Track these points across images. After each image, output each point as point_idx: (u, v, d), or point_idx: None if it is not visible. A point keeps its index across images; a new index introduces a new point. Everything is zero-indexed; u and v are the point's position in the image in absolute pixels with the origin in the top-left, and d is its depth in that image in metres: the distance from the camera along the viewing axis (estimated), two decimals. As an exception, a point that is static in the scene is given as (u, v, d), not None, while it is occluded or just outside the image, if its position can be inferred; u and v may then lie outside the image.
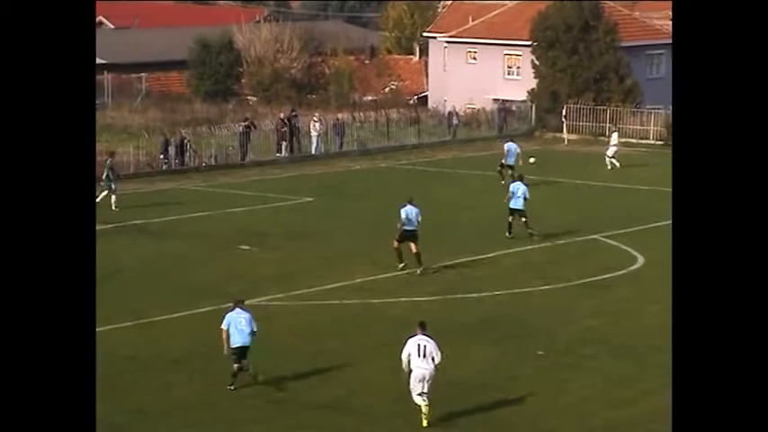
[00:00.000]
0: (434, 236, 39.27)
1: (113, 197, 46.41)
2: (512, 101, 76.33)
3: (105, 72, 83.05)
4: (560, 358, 29.11)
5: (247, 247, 40.71)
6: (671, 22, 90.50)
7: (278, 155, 62.18)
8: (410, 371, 24.45)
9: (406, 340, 25.08)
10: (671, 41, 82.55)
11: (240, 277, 36.53)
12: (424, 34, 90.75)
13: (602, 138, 70.63)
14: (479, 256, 39.28)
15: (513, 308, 33.64)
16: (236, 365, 26.54)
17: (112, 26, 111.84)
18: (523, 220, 41.27)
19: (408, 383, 24.44)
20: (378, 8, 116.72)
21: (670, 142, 69.69)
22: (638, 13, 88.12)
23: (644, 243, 42.04)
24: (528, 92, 75.54)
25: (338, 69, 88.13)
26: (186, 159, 59.17)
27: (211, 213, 46.98)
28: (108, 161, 47.30)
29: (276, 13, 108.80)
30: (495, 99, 77.14)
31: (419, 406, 24.23)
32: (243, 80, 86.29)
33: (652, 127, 71.31)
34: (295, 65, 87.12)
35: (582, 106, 72.23)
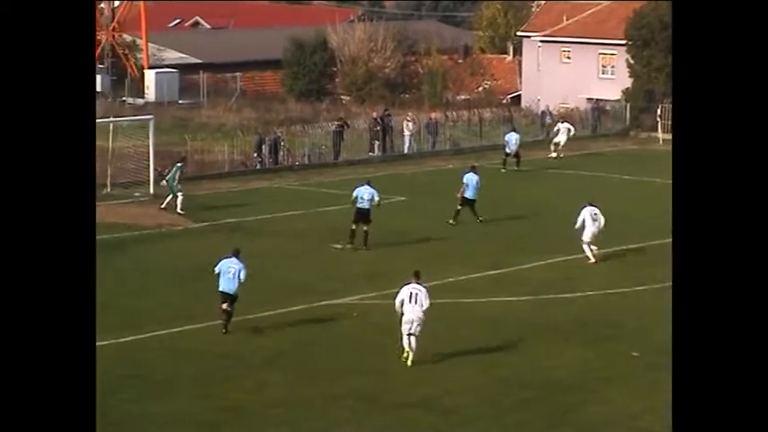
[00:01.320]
0: (526, 236, 39.13)
1: (179, 199, 46.38)
2: (606, 100, 75.95)
3: (201, 71, 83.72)
4: (655, 359, 28.86)
5: (340, 246, 40.79)
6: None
7: (371, 154, 62.29)
8: (402, 314, 27.83)
9: (401, 287, 28.16)
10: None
11: (333, 275, 36.63)
12: (518, 33, 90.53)
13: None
14: (571, 257, 39.05)
15: (607, 309, 33.44)
16: (223, 305, 30.09)
17: (209, 26, 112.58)
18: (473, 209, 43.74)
19: (400, 325, 27.76)
20: (471, 7, 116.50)
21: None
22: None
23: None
24: (622, 91, 75.16)
25: (431, 69, 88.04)
26: (280, 158, 59.43)
27: (304, 212, 47.16)
28: (179, 165, 47.29)
29: (370, 12, 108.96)
30: (588, 98, 76.74)
31: (404, 347, 27.83)
32: (336, 80, 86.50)
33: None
34: (388, 64, 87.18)
35: (677, 106, 71.68)
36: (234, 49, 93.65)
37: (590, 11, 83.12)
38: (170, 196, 46.65)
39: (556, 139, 62.83)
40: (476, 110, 74.54)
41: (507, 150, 58.21)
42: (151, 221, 45.38)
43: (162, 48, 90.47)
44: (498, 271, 37.38)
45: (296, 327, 31.56)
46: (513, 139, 58.28)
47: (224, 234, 42.41)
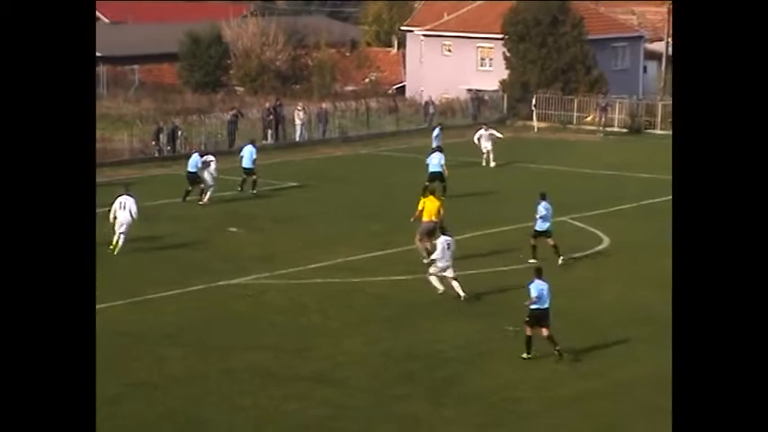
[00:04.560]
0: (407, 220, 39.26)
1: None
2: (484, 91, 76.40)
3: (101, 64, 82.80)
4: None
5: (235, 230, 40.75)
6: (634, 17, 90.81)
7: (264, 142, 62.14)
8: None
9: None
10: (634, 35, 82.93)
11: (229, 257, 36.56)
12: (402, 28, 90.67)
13: (570, 126, 70.90)
14: (459, 236, 39.25)
15: (487, 286, 33.71)
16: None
17: (108, 20, 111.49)
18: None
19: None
20: (358, 4, 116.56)
21: (634, 129, 70.06)
22: (603, 8, 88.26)
23: (608, 225, 42.19)
24: (500, 82, 75.64)
25: (321, 61, 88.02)
26: (177, 146, 59.09)
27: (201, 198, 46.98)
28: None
29: (262, 8, 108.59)
30: (468, 89, 77.16)
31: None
32: (231, 72, 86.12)
33: (616, 115, 71.49)
34: (280, 57, 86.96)
35: (550, 96, 72.41)
36: (132, 43, 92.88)
37: (469, 7, 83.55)
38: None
39: (484, 147, 56.23)
40: (363, 100, 74.79)
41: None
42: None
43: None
44: (385, 251, 37.53)
45: (193, 306, 31.50)
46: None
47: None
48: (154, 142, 58.44)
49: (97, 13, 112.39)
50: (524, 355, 26.77)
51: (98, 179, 49.14)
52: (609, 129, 69.96)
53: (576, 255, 37.58)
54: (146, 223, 40.19)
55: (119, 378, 25.45)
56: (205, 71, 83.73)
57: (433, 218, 35.36)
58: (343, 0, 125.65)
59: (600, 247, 38.98)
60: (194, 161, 45.41)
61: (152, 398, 24.37)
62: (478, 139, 55.95)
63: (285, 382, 25.36)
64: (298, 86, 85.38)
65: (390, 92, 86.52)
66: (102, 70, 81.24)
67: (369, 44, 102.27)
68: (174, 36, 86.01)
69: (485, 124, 58.87)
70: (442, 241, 31.86)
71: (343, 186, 50.55)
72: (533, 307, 26.85)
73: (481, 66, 79.69)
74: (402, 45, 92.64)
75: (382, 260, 36.66)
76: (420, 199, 36.17)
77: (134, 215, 35.36)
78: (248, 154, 47.34)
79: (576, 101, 71.92)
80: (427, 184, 40.44)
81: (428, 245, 35.29)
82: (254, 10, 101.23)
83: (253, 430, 22.58)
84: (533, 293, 26.82)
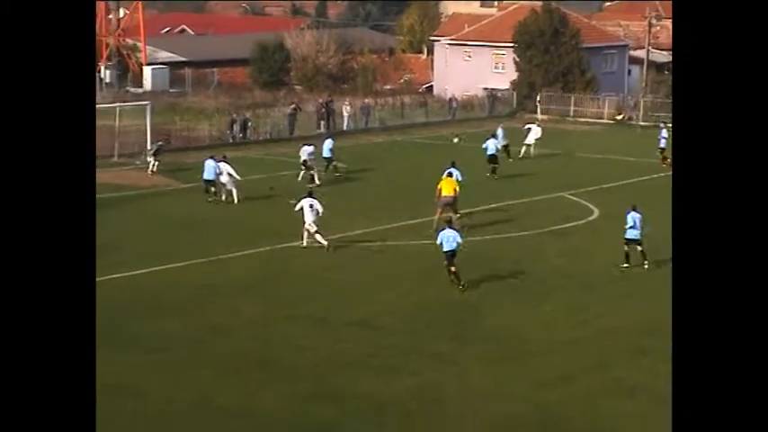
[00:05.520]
0: (433, 195, 39.14)
1: (152, 165, 46.46)
2: (498, 89, 76.14)
3: (186, 68, 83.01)
4: (533, 287, 29.13)
5: (295, 201, 40.65)
6: (621, 29, 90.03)
7: (318, 130, 62.07)
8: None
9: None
10: (621, 44, 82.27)
11: (291, 224, 36.56)
12: (431, 38, 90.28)
13: (568, 118, 70.51)
14: (473, 209, 39.17)
15: (497, 250, 33.60)
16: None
17: (192, 32, 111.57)
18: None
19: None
20: (395, 18, 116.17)
21: (620, 121, 69.66)
22: (595, 21, 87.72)
23: (598, 199, 41.98)
24: (510, 82, 75.41)
25: (364, 65, 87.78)
26: (248, 134, 59.17)
27: (267, 175, 47.00)
28: (159, 144, 47.40)
29: (317, 21, 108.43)
30: (485, 88, 76.83)
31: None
32: (291, 73, 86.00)
33: (606, 110, 71.32)
34: (331, 62, 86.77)
35: (552, 94, 72.24)
36: (212, 50, 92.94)
37: (485, 21, 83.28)
38: (152, 165, 46.72)
39: (527, 140, 52.93)
40: (398, 97, 74.63)
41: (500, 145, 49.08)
42: (147, 183, 45.08)
43: (156, 49, 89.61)
44: (415, 220, 37.45)
45: (261, 264, 31.55)
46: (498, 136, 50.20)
47: (203, 195, 42.10)
48: (228, 131, 58.58)
49: (184, 27, 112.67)
50: (624, 266, 30.55)
51: (185, 160, 49.59)
52: (599, 120, 69.57)
53: (572, 224, 37.44)
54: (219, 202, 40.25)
55: (199, 322, 25.53)
56: (270, 73, 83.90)
57: (450, 193, 35.35)
58: (384, 5, 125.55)
59: (591, 218, 38.79)
60: (211, 168, 40.64)
61: (227, 339, 24.43)
62: (527, 131, 53.48)
63: (335, 327, 25.38)
64: (345, 85, 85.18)
65: (421, 90, 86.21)
66: (187, 72, 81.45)
67: (403, 51, 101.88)
68: (246, 45, 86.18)
69: (537, 120, 58.43)
70: (305, 202, 32.92)
71: (382, 167, 50.44)
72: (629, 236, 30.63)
73: (495, 69, 79.25)
74: (430, 52, 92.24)
75: (412, 227, 36.59)
76: (440, 179, 36.14)
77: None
78: (327, 146, 46.75)
79: (572, 98, 71.88)
80: (451, 165, 39.56)
81: (452, 215, 35.22)
82: (310, 23, 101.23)
83: (311, 367, 22.60)
84: (629, 223, 30.85)
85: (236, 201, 40.37)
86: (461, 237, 28.98)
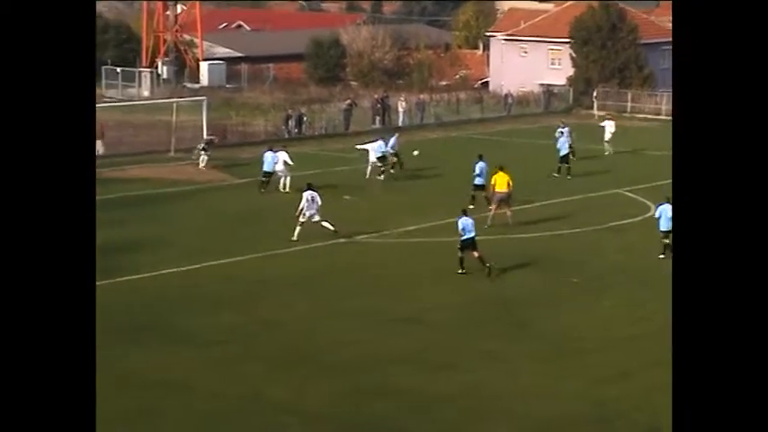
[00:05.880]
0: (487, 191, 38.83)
1: (202, 159, 46.58)
2: (554, 85, 75.61)
3: (242, 63, 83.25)
4: (589, 285, 28.78)
5: (349, 197, 40.63)
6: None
7: (373, 126, 61.94)
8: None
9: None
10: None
11: (343, 220, 36.44)
12: (486, 34, 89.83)
13: (625, 114, 69.79)
14: (528, 206, 38.81)
15: (551, 246, 33.29)
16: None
17: (249, 28, 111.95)
18: (483, 194, 38.43)
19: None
20: (451, 13, 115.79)
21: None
22: (653, 17, 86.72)
23: (655, 196, 41.41)
24: (567, 78, 74.88)
25: (420, 61, 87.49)
26: (303, 129, 59.17)
27: (322, 171, 46.92)
28: (209, 139, 47.46)
29: (372, 17, 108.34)
30: (541, 84, 76.31)
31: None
32: (347, 69, 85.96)
33: (663, 106, 70.37)
34: (387, 57, 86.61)
35: (609, 90, 71.61)
36: (268, 46, 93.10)
37: (542, 16, 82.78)
38: (202, 160, 46.84)
39: (605, 137, 52.29)
40: (454, 92, 74.31)
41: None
42: (203, 178, 45.20)
43: (213, 45, 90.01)
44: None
45: (314, 259, 31.46)
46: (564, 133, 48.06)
47: (257, 189, 42.15)
48: (284, 126, 58.58)
49: (240, 23, 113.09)
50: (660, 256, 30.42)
51: (240, 156, 49.68)
52: (657, 117, 68.85)
53: (629, 220, 36.98)
54: (271, 192, 40.25)
55: (251, 317, 25.49)
56: (326, 68, 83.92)
57: (504, 189, 35.00)
58: (440, 3, 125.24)
59: (648, 215, 38.28)
60: (270, 160, 41.20)
61: (278, 334, 24.36)
62: (603, 128, 53.17)
63: (387, 322, 25.21)
64: (401, 81, 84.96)
65: (476, 86, 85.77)
66: (243, 68, 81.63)
67: (459, 47, 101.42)
68: (302, 40, 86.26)
69: (609, 115, 58.02)
70: (306, 195, 32.97)
71: (437, 163, 50.17)
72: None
73: (552, 65, 78.70)
74: (486, 48, 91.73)
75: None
76: (495, 171, 35.86)
77: (290, 162, 34.56)
78: (392, 143, 46.26)
79: (629, 94, 71.14)
80: (479, 158, 39.22)
81: (507, 210, 34.97)
82: (366, 19, 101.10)
83: (361, 362, 22.44)
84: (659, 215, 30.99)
85: (287, 189, 40.71)
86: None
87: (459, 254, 29.29)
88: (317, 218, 32.80)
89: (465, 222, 29.30)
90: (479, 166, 38.43)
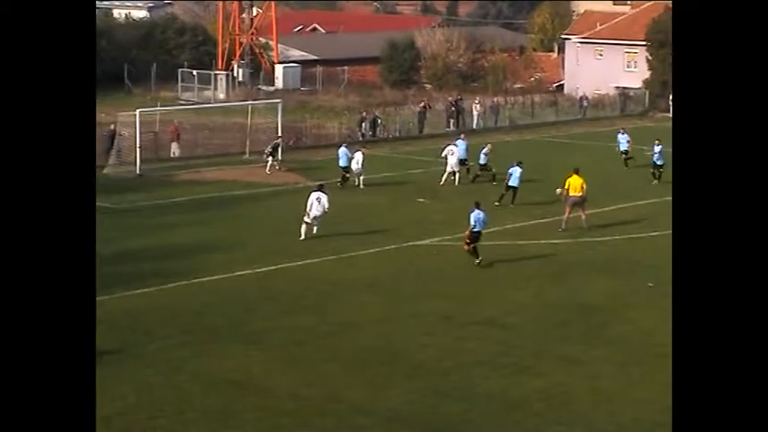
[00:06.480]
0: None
1: (270, 163, 46.76)
2: (630, 88, 75.03)
3: (317, 66, 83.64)
4: (666, 288, 28.42)
5: (423, 200, 40.64)
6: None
7: (447, 129, 61.92)
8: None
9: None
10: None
11: (418, 223, 36.50)
12: (562, 36, 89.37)
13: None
14: (603, 209, 38.53)
15: (628, 250, 33.02)
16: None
17: (324, 31, 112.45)
18: (512, 195, 39.28)
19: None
20: (526, 16, 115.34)
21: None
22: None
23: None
24: (643, 81, 74.29)
25: (494, 63, 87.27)
26: (377, 132, 59.31)
27: (396, 173, 47.02)
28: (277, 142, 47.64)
29: (447, 20, 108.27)
30: (616, 87, 75.77)
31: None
32: (421, 72, 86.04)
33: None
34: (461, 60, 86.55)
35: (686, 92, 70.84)
36: (342, 49, 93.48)
37: (618, 19, 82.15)
38: (268, 164, 46.93)
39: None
40: (529, 95, 74.01)
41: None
42: (277, 180, 45.48)
43: (288, 47, 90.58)
44: (545, 219, 37.02)
45: (388, 261, 31.52)
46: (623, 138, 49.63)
47: (332, 190, 42.29)
48: (358, 129, 58.73)
49: (315, 25, 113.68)
50: None
51: (314, 158, 49.93)
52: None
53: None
54: (352, 194, 40.37)
55: (327, 319, 25.58)
56: (401, 71, 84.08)
57: (579, 192, 34.75)
58: (514, 4, 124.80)
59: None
60: (344, 154, 43.01)
61: (354, 335, 24.42)
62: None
63: (463, 325, 25.18)
64: (475, 84, 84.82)
65: (551, 89, 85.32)
66: (318, 71, 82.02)
67: (534, 49, 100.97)
68: (376, 43, 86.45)
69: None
70: (314, 195, 33.22)
71: (511, 164, 49.90)
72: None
73: (628, 67, 78.10)
74: (561, 50, 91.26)
75: (543, 226, 36.17)
76: (570, 174, 35.65)
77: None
78: (463, 147, 45.76)
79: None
80: (518, 164, 39.48)
81: (581, 214, 34.74)
82: (441, 22, 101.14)
83: (437, 364, 22.44)
84: None
85: (361, 186, 42.39)
86: (486, 219, 30.76)
87: (470, 246, 30.17)
88: (309, 218, 33.04)
89: (477, 216, 30.14)
90: (514, 170, 38.85)
